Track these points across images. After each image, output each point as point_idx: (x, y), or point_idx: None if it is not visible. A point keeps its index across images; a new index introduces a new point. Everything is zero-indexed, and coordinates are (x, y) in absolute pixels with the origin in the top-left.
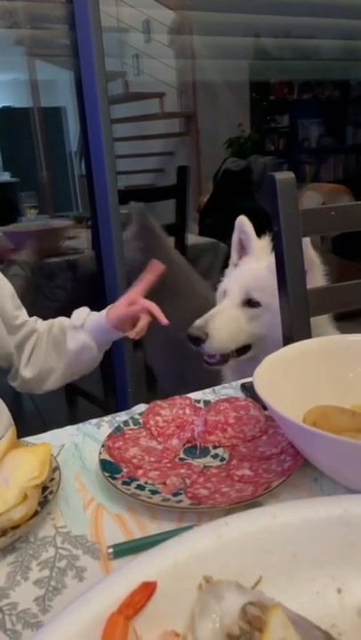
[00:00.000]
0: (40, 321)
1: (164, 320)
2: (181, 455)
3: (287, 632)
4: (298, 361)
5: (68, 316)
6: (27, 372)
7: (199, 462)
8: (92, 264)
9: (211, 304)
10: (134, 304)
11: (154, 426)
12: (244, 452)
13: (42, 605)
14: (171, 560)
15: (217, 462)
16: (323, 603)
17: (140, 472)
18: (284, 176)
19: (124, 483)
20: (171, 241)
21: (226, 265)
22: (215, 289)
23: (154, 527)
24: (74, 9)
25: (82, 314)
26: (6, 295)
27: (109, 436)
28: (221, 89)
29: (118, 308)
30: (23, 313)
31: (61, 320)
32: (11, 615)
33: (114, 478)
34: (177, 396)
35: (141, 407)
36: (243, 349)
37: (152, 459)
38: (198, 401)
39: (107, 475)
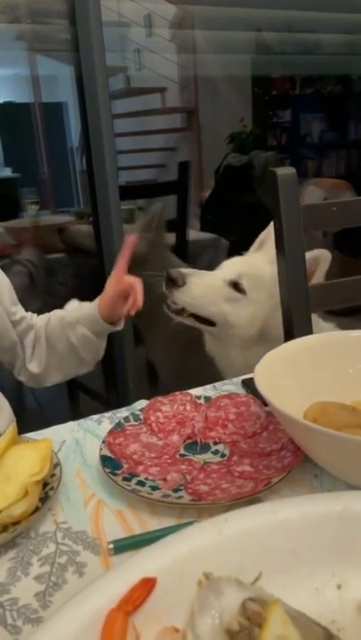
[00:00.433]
0: (35, 316)
1: (139, 303)
2: (182, 451)
3: (287, 628)
4: (299, 357)
5: None
6: (33, 366)
7: (200, 458)
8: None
9: None
10: (120, 282)
11: (154, 422)
12: (244, 449)
13: (42, 601)
14: (170, 556)
15: (217, 458)
16: (322, 599)
17: (140, 468)
18: (285, 171)
19: (125, 479)
20: (171, 237)
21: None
22: None
23: (154, 523)
24: (74, 3)
25: (74, 308)
26: (5, 290)
27: (110, 432)
28: (223, 84)
29: (107, 292)
30: (20, 309)
31: (57, 313)
32: (11, 610)
33: (114, 474)
34: (177, 392)
35: (142, 403)
36: (206, 320)
37: (152, 455)
38: (199, 397)
39: (107, 471)
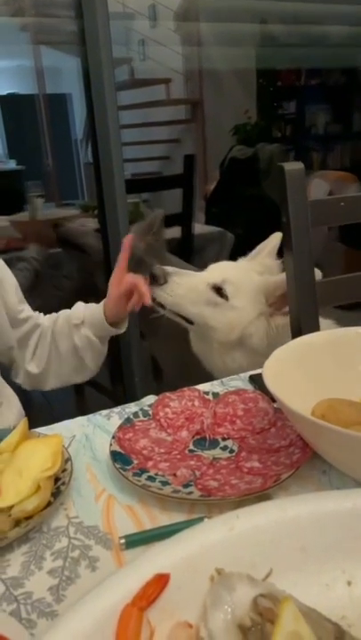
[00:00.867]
0: (42, 316)
1: (145, 300)
2: (191, 447)
3: (298, 624)
4: (307, 353)
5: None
6: (32, 366)
7: (208, 454)
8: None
9: None
10: (122, 283)
11: (163, 417)
12: (252, 445)
13: (56, 595)
14: (183, 552)
15: (226, 454)
16: (333, 595)
17: (150, 463)
18: (293, 167)
19: (135, 474)
20: (177, 231)
21: (232, 254)
22: None
23: (165, 518)
24: None
25: (79, 310)
26: (10, 288)
27: (120, 428)
28: (228, 75)
29: (110, 294)
30: (27, 307)
31: (65, 312)
32: (26, 604)
33: (125, 470)
34: (186, 388)
35: (151, 399)
36: (185, 318)
37: (162, 450)
38: (207, 393)
39: (118, 466)
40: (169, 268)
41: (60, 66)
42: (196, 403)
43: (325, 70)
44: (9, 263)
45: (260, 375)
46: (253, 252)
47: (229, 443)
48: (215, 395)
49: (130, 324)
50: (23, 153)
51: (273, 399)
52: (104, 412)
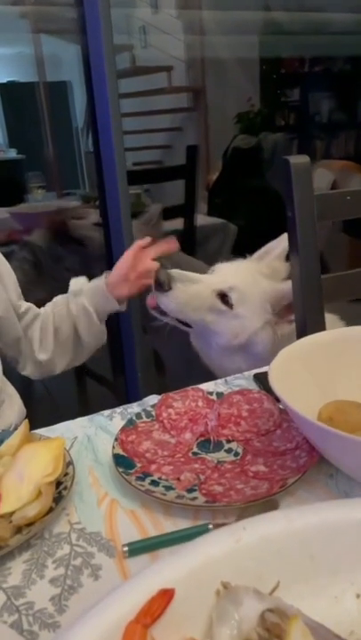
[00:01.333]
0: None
1: (173, 245)
2: (195, 449)
3: None
4: (314, 354)
5: None
6: (42, 355)
7: (213, 457)
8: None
9: None
10: (140, 261)
11: (166, 419)
12: (258, 447)
13: (58, 605)
14: (188, 565)
15: (231, 457)
16: (341, 608)
17: (153, 467)
18: (298, 160)
19: (138, 478)
20: (179, 222)
21: (235, 246)
22: None
23: (169, 524)
24: None
25: (79, 281)
26: (11, 285)
27: (122, 430)
28: (231, 62)
29: (119, 268)
30: (23, 301)
31: (62, 295)
32: (27, 615)
33: (127, 474)
34: (189, 388)
35: (153, 399)
36: (184, 322)
37: (165, 453)
38: (211, 393)
39: (121, 470)
40: (174, 273)
41: (61, 53)
42: (200, 403)
43: (329, 58)
44: (9, 255)
45: (264, 374)
46: (261, 250)
47: (234, 445)
48: (219, 395)
49: (133, 317)
50: (23, 142)
51: (278, 399)
52: (106, 412)
